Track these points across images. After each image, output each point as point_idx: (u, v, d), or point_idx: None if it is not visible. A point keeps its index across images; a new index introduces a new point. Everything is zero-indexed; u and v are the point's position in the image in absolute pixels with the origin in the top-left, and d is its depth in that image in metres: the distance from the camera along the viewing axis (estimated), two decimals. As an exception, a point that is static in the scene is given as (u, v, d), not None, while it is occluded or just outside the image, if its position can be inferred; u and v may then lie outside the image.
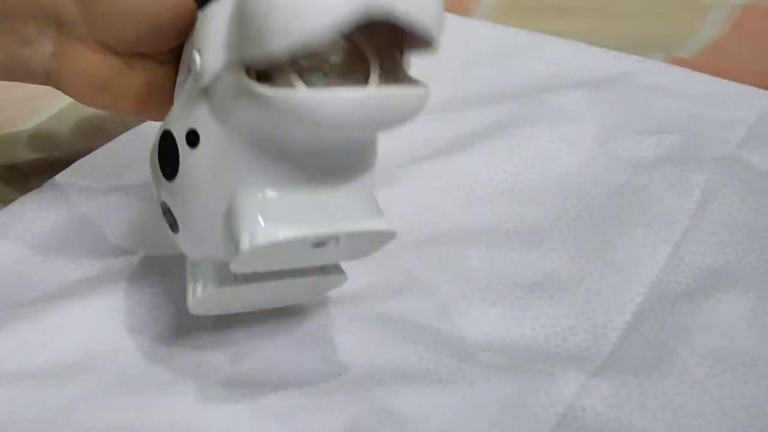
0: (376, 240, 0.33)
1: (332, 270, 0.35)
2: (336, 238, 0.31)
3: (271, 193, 0.31)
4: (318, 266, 0.34)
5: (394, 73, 0.31)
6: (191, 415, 0.34)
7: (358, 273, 0.40)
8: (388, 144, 0.48)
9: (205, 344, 0.37)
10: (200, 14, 0.31)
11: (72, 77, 0.37)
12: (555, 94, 0.51)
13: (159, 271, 0.40)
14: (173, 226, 0.33)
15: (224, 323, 0.37)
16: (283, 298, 0.36)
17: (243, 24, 0.28)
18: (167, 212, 0.33)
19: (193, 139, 0.31)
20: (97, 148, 0.47)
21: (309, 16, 0.26)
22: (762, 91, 0.51)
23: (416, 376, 0.35)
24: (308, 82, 0.29)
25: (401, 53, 0.32)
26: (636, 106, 0.50)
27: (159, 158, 0.33)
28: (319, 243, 0.31)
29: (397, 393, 0.34)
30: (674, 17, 0.60)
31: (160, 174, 0.33)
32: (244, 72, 0.29)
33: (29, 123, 0.51)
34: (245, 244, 0.29)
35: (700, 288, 0.39)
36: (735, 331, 0.36)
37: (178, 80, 0.36)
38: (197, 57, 0.30)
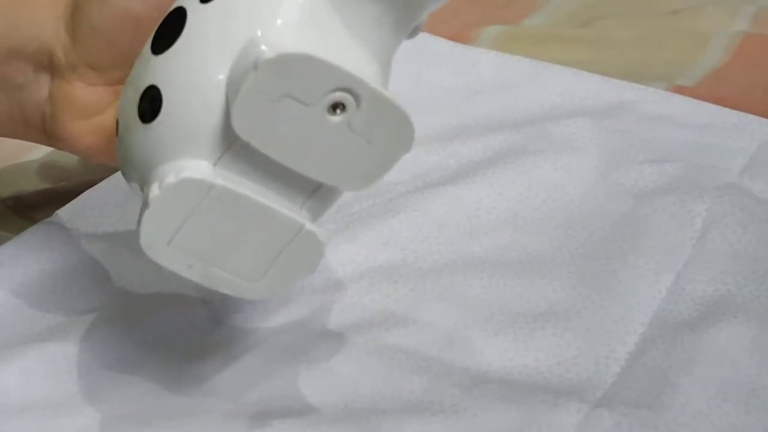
0: (399, 134, 0.32)
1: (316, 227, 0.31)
2: (357, 102, 0.29)
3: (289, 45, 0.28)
4: (301, 212, 0.31)
5: None
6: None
7: (365, 302, 0.41)
8: (391, 173, 0.49)
9: (210, 375, 0.37)
10: None
11: (64, 113, 0.37)
12: (557, 123, 0.51)
13: (167, 304, 0.40)
14: (153, 107, 0.30)
15: (230, 354, 0.38)
16: (255, 255, 0.30)
17: None
18: (148, 95, 0.30)
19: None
20: (103, 179, 0.47)
21: None
22: (763, 119, 0.51)
23: (420, 406, 0.36)
24: None
25: None
26: (638, 135, 0.51)
27: (158, 32, 0.31)
28: (336, 105, 0.29)
29: (401, 424, 0.35)
30: (675, 45, 0.60)
31: (150, 52, 0.31)
32: None
33: (37, 153, 0.52)
34: (267, 54, 0.27)
35: (701, 318, 0.39)
36: (737, 362, 0.37)
37: None
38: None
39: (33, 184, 0.50)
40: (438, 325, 0.39)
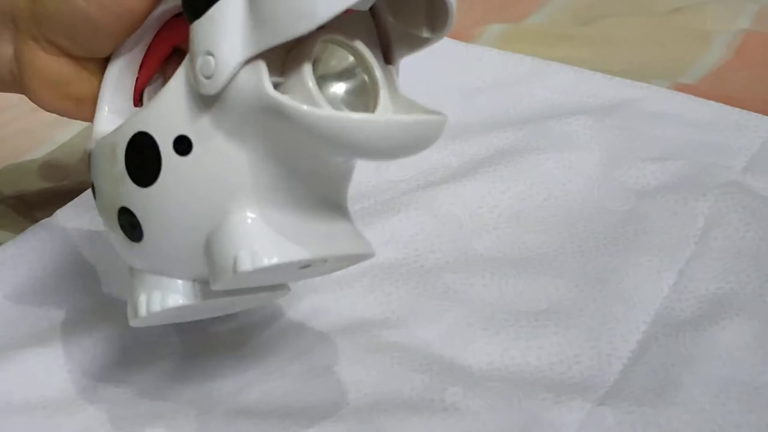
0: (356, 260, 0.34)
1: (281, 285, 0.35)
2: (325, 260, 0.31)
3: (267, 213, 0.30)
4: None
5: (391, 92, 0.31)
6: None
7: (368, 301, 0.40)
8: (394, 172, 0.49)
9: (212, 375, 0.37)
10: (200, 20, 0.29)
11: (31, 80, 0.36)
12: (559, 121, 0.51)
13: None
14: (134, 233, 0.32)
15: (231, 354, 0.38)
16: (227, 308, 0.36)
17: (264, 7, 0.28)
18: (128, 217, 0.32)
19: (183, 146, 0.30)
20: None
21: None
22: (765, 117, 0.51)
23: (422, 405, 0.35)
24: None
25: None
26: (640, 133, 0.50)
27: (128, 161, 0.32)
28: (308, 264, 0.31)
29: (404, 422, 0.35)
30: (678, 44, 0.60)
31: (127, 178, 0.32)
32: (268, 78, 0.28)
33: (38, 153, 0.52)
34: (245, 265, 0.29)
35: (704, 316, 0.39)
36: (739, 359, 0.37)
37: (148, 87, 0.36)
38: (210, 60, 0.29)
39: (34, 184, 0.50)
40: (440, 323, 0.39)
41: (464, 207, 0.46)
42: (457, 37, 0.61)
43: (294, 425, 0.35)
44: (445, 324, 0.39)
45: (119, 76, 0.35)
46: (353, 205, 0.45)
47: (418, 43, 0.34)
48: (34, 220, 0.45)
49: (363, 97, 0.31)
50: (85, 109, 0.36)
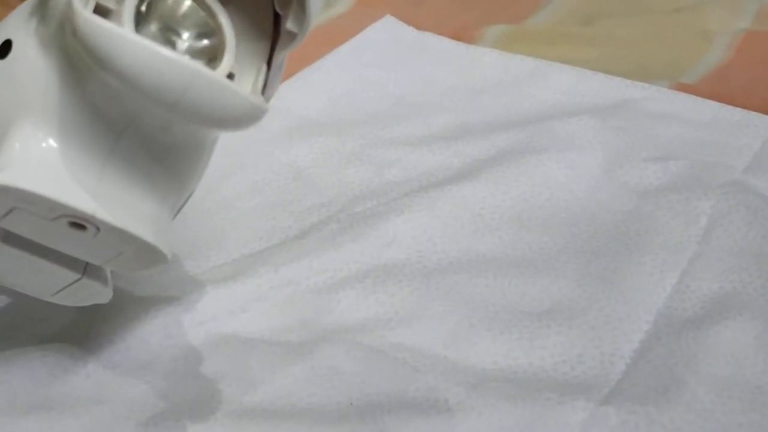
0: (146, 256, 0.29)
1: (97, 276, 0.32)
2: (95, 227, 0.28)
3: (54, 143, 0.27)
4: (82, 263, 0.32)
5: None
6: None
7: (370, 301, 0.41)
8: (396, 174, 0.49)
9: (216, 375, 0.37)
10: None
11: None
12: (561, 122, 0.51)
13: (169, 302, 0.40)
14: None
15: (234, 353, 0.38)
16: (42, 284, 0.33)
17: None
18: None
19: (4, 48, 0.29)
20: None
21: None
22: (767, 116, 0.51)
23: (425, 405, 0.36)
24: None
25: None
26: (641, 133, 0.51)
27: None
28: (76, 223, 0.28)
29: (407, 422, 0.35)
30: (678, 44, 0.60)
31: None
32: None
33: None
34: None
35: (707, 315, 0.39)
36: (742, 359, 0.37)
37: None
38: None
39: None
40: (443, 324, 0.39)
41: (466, 208, 0.46)
42: (458, 38, 0.61)
43: (297, 426, 0.35)
44: (449, 324, 0.39)
45: None
46: (355, 207, 0.46)
47: (287, 40, 0.30)
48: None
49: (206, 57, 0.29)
50: None
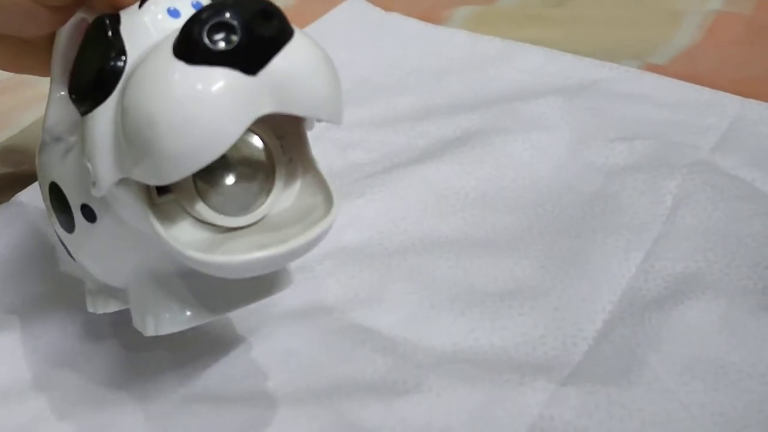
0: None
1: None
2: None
3: (161, 282, 0.31)
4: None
5: (300, 155, 0.30)
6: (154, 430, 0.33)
7: (329, 283, 0.40)
8: (359, 155, 0.48)
9: (169, 360, 0.36)
10: (84, 120, 0.28)
11: None
12: (527, 102, 0.51)
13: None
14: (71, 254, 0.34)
15: (186, 337, 0.37)
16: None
17: (128, 145, 0.26)
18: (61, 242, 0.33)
19: (88, 214, 0.31)
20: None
21: (198, 141, 0.25)
22: (735, 97, 0.50)
23: (384, 387, 0.35)
24: (209, 187, 0.29)
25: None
26: (609, 113, 0.50)
27: (52, 201, 0.33)
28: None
29: (364, 405, 0.34)
30: (648, 24, 0.60)
31: (55, 219, 0.33)
32: (143, 203, 0.28)
33: (-2, 137, 0.51)
34: (149, 331, 0.31)
35: (670, 295, 0.38)
36: (705, 339, 0.36)
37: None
38: (89, 167, 0.28)
39: (-6, 168, 0.49)
40: (403, 305, 0.39)
41: (430, 189, 0.45)
42: (426, 18, 0.60)
43: (252, 408, 0.34)
44: (409, 306, 0.39)
45: (67, 51, 0.35)
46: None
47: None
48: (-7, 205, 0.44)
49: (256, 181, 0.30)
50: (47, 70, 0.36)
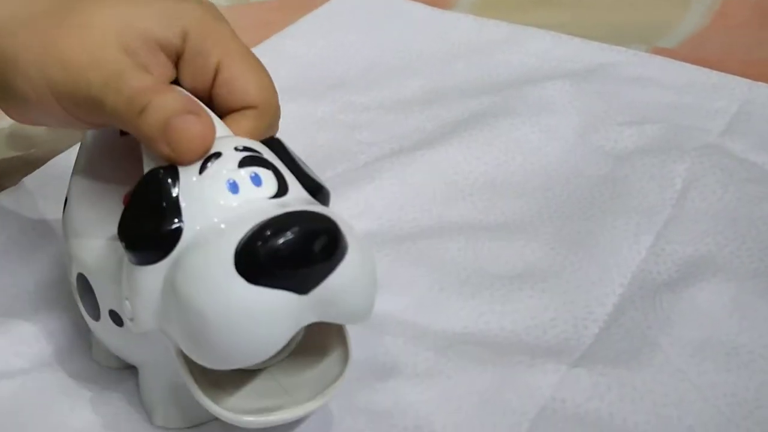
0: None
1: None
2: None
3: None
4: None
5: None
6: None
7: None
8: (367, 136, 0.48)
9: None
10: (131, 267, 0.29)
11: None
12: (536, 86, 0.50)
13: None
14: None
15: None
16: None
17: (179, 331, 0.28)
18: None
19: (116, 319, 0.31)
20: (70, 147, 0.46)
21: (245, 349, 0.27)
22: (744, 80, 0.50)
23: (394, 371, 0.35)
24: None
25: None
26: (617, 97, 0.50)
27: (79, 291, 0.33)
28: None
29: (375, 388, 0.34)
30: (656, 8, 0.59)
31: (79, 300, 0.33)
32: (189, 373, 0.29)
33: (6, 122, 0.51)
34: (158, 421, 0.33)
35: (681, 278, 0.38)
36: (716, 321, 0.36)
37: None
38: (128, 305, 0.29)
39: (1, 153, 0.49)
40: (413, 289, 0.39)
41: (439, 174, 0.45)
42: (434, 3, 0.60)
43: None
44: (419, 290, 0.39)
45: (93, 147, 0.36)
46: (324, 172, 0.45)
47: None
48: (1, 189, 0.44)
49: None
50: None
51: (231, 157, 0.29)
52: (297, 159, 0.31)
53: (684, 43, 0.56)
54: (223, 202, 0.28)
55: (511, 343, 0.36)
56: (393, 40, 0.57)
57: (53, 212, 0.42)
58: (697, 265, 0.39)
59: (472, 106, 0.50)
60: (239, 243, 0.26)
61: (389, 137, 0.47)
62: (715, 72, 0.51)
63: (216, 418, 0.31)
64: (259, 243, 0.26)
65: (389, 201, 0.44)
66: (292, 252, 0.26)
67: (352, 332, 0.36)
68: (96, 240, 0.32)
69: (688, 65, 0.52)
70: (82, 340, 0.36)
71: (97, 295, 0.32)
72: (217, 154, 0.29)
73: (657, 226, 0.41)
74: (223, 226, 0.27)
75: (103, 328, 0.32)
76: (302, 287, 0.27)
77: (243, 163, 0.29)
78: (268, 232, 0.26)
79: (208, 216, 0.28)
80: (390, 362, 0.35)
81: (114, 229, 0.29)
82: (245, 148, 0.29)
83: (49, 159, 0.46)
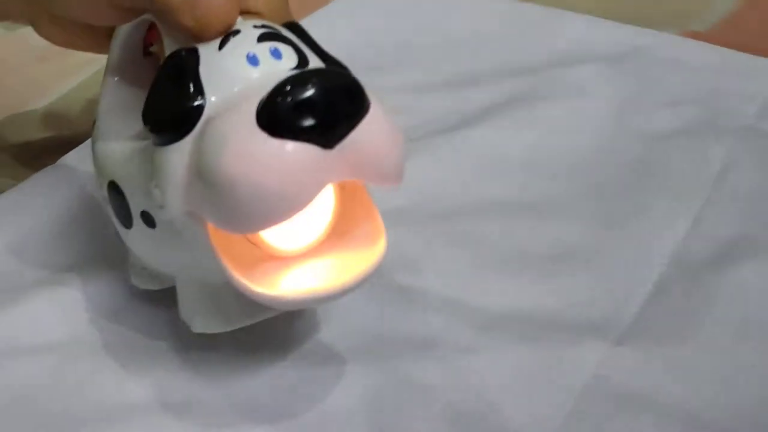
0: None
1: None
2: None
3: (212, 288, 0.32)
4: None
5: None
6: (200, 390, 0.34)
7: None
8: (401, 119, 0.48)
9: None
10: (157, 150, 0.29)
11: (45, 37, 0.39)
12: (571, 69, 0.51)
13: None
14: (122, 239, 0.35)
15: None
16: None
17: (206, 198, 0.28)
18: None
19: (148, 220, 0.31)
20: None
21: (273, 207, 0.27)
22: (778, 63, 0.50)
23: (438, 346, 0.35)
24: None
25: None
26: (652, 80, 0.50)
27: (110, 197, 0.33)
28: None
29: (417, 362, 0.34)
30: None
31: (112, 212, 0.34)
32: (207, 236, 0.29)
33: (41, 102, 0.51)
34: (197, 329, 0.33)
35: (721, 258, 0.38)
36: (758, 300, 0.36)
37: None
38: (157, 192, 0.29)
39: (37, 133, 0.49)
40: (451, 268, 0.39)
41: (474, 154, 0.45)
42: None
43: (306, 366, 0.34)
44: (458, 267, 0.39)
45: (126, 44, 0.36)
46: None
47: None
48: (37, 169, 0.44)
49: None
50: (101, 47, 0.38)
51: (250, 34, 0.29)
52: (318, 43, 0.31)
53: (716, 26, 0.55)
54: (243, 74, 0.29)
55: (553, 320, 0.36)
56: (425, 22, 0.57)
57: (91, 191, 0.42)
58: (737, 245, 0.39)
59: (507, 88, 0.50)
60: (261, 101, 0.27)
61: (424, 121, 0.47)
62: (749, 55, 0.51)
63: (254, 320, 0.32)
64: (279, 98, 0.26)
65: (425, 179, 0.43)
66: (314, 103, 0.26)
67: (393, 305, 0.37)
68: (125, 144, 0.33)
69: (721, 48, 0.52)
70: (126, 311, 0.37)
71: (128, 200, 0.32)
72: (236, 32, 0.29)
73: (695, 208, 0.41)
74: (244, 94, 0.28)
75: (135, 237, 0.33)
76: (326, 141, 0.27)
77: (262, 38, 0.29)
78: (289, 87, 0.26)
79: (229, 87, 0.28)
80: (432, 338, 0.35)
81: (142, 133, 0.30)
82: (263, 26, 0.30)
83: (86, 139, 0.46)
